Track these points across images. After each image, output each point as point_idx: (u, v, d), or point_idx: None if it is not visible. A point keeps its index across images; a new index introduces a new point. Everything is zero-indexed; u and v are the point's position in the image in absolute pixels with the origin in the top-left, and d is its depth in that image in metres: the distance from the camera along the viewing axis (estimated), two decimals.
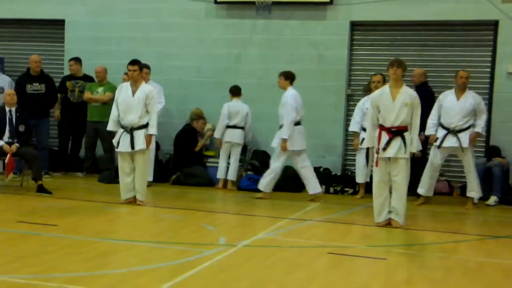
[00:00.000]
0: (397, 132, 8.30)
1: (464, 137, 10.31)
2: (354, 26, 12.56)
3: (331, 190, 11.64)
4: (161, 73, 12.48)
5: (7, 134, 10.25)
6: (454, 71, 10.82)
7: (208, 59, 12.89)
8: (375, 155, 8.41)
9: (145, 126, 9.33)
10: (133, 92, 9.35)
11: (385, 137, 8.33)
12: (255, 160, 12.28)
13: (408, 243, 7.80)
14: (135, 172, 9.42)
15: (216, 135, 11.84)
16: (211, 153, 12.51)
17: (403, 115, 8.27)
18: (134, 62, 9.41)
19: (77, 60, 12.70)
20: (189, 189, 11.45)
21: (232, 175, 11.69)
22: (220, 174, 11.74)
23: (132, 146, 9.26)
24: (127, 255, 6.64)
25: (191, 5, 13.03)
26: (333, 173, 11.99)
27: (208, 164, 12.30)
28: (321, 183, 11.61)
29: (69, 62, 12.71)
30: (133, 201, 9.52)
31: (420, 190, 10.60)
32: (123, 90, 9.50)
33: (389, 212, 8.53)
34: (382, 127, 8.39)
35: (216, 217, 9.36)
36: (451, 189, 11.66)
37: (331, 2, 12.34)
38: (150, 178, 11.41)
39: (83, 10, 13.63)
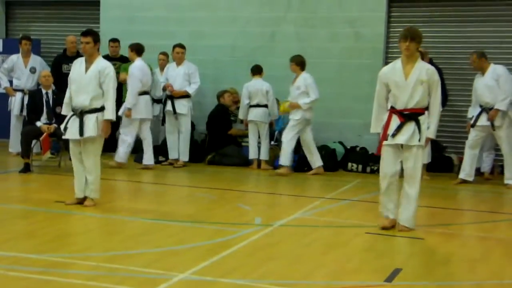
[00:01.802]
0: (411, 115, 6.86)
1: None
2: (392, 2, 12.33)
3: (368, 169, 11.49)
4: (195, 53, 12.41)
5: (44, 116, 10.31)
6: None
7: (242, 38, 12.80)
8: (380, 142, 7.07)
9: (99, 110, 7.66)
10: (87, 69, 7.72)
11: (395, 121, 6.88)
12: None
13: (447, 222, 7.68)
14: (84, 164, 7.76)
15: (240, 115, 11.82)
16: (245, 132, 12.45)
17: (418, 96, 6.81)
18: (86, 33, 7.80)
19: (118, 41, 12.70)
20: (225, 169, 11.43)
21: (264, 155, 11.61)
22: (252, 154, 11.67)
23: (81, 133, 7.64)
24: (163, 234, 6.65)
25: None
26: (370, 152, 11.85)
27: (243, 144, 12.26)
28: (357, 162, 11.54)
29: (113, 43, 12.61)
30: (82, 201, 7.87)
31: (461, 174, 10.38)
32: (77, 65, 7.86)
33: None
34: (392, 110, 6.95)
35: (252, 197, 9.34)
36: (493, 168, 11.40)
37: None
38: (186, 158, 11.44)
39: None
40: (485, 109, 10.15)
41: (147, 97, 11.07)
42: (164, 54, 12.22)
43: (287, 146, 10.85)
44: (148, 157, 11.03)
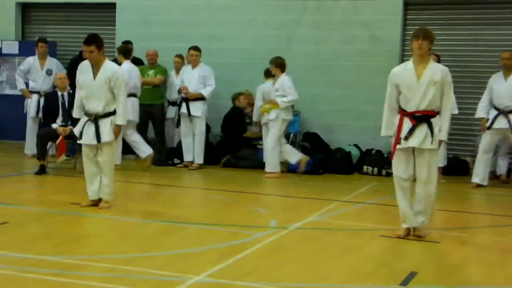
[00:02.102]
0: (422, 117, 6.65)
1: None
2: (408, 5, 12.30)
3: (383, 172, 11.45)
4: (210, 55, 12.43)
5: (60, 118, 10.34)
6: None
7: (257, 41, 12.80)
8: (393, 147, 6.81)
9: (113, 113, 7.72)
10: (94, 74, 7.67)
11: (407, 123, 6.69)
12: (306, 142, 12.18)
13: (463, 226, 7.64)
14: (101, 168, 7.81)
15: (254, 117, 11.83)
16: (260, 135, 12.44)
17: (430, 97, 6.57)
18: (88, 41, 7.60)
19: (131, 43, 12.74)
20: (240, 171, 11.42)
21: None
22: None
23: (98, 139, 7.67)
24: (178, 236, 6.66)
25: None
26: (385, 155, 11.81)
27: (258, 146, 12.26)
28: (373, 165, 11.50)
29: (127, 46, 12.64)
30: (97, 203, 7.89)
31: (475, 179, 10.28)
32: (83, 71, 7.81)
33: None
34: (403, 112, 6.74)
35: (267, 200, 9.34)
36: (509, 171, 11.30)
37: None
38: (201, 161, 11.44)
39: None
40: (504, 112, 10.06)
41: (133, 99, 10.96)
42: (180, 56, 12.25)
43: (271, 154, 10.86)
44: (142, 150, 10.92)
